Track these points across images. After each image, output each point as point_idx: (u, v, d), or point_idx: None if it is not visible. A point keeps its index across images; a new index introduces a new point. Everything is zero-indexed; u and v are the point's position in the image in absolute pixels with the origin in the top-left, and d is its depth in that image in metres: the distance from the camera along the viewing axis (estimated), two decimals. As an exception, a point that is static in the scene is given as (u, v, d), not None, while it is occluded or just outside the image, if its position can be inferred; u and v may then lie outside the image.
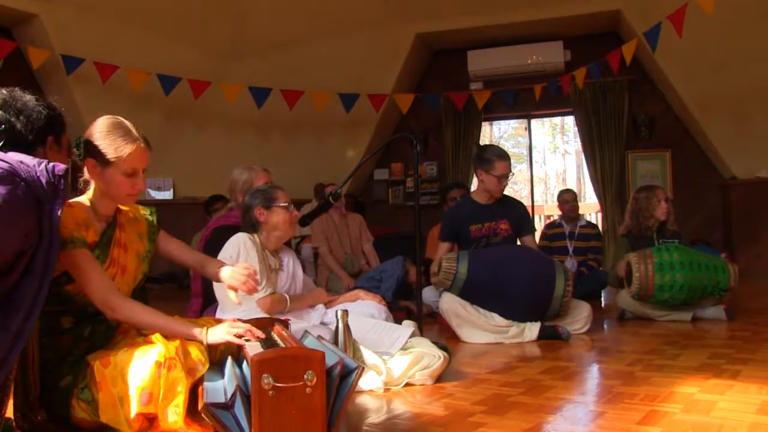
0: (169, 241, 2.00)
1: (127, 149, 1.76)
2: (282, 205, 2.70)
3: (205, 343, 1.67)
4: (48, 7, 6.00)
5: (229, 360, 1.62)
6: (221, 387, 1.52)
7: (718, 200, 6.90)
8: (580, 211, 5.62)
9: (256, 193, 2.75)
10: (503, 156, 3.64)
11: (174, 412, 1.48)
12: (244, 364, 1.56)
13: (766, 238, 6.19)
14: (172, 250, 1.99)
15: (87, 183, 1.84)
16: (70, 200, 1.80)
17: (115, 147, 1.75)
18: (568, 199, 5.42)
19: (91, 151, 1.77)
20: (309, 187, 7.02)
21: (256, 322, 1.80)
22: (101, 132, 1.78)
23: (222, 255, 2.64)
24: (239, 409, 1.40)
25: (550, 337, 3.17)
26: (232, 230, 2.84)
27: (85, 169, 1.81)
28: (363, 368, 1.49)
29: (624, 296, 3.85)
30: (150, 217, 1.97)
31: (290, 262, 2.85)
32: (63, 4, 6.06)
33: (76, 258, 1.67)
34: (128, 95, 6.35)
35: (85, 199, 1.83)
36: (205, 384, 1.54)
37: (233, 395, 1.43)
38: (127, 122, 1.81)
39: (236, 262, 2.57)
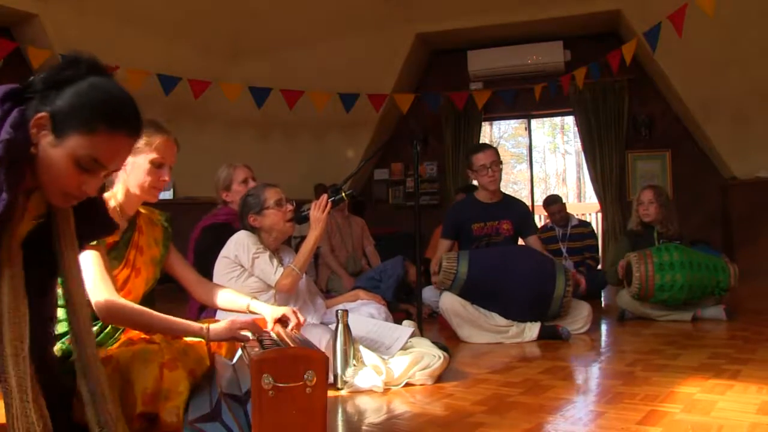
0: (176, 255, 2.01)
1: (157, 139, 1.81)
2: (272, 206, 2.69)
3: (208, 338, 1.68)
4: (48, 7, 5.99)
5: (217, 366, 1.61)
6: (207, 398, 1.51)
7: (718, 200, 6.90)
8: (580, 212, 5.63)
9: (247, 199, 2.74)
10: (479, 148, 3.72)
11: (174, 413, 1.48)
12: (240, 364, 1.56)
13: (766, 239, 6.19)
14: (175, 265, 2.01)
15: (111, 181, 1.85)
16: None
17: (146, 136, 1.79)
18: (554, 211, 5.44)
19: None
20: (309, 187, 7.02)
21: (255, 322, 1.81)
22: None
23: (225, 253, 2.64)
24: (227, 416, 1.40)
25: (550, 337, 3.17)
26: (219, 228, 2.84)
27: None
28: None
29: (624, 296, 3.85)
30: (165, 224, 2.00)
31: (290, 262, 2.84)
32: (63, 4, 6.06)
33: (87, 255, 1.68)
34: (128, 95, 6.35)
35: (109, 196, 1.84)
36: (191, 402, 1.53)
37: (217, 403, 1.42)
38: (159, 120, 1.86)
39: (240, 261, 2.59)
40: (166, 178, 1.83)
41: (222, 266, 2.63)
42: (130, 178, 1.81)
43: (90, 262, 1.68)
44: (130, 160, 1.80)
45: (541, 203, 5.94)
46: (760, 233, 6.24)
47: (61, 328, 1.73)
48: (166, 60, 6.55)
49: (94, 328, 1.73)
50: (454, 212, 3.87)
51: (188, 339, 1.71)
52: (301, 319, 1.95)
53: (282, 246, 2.85)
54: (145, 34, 6.59)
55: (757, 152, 6.36)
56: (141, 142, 1.79)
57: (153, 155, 1.79)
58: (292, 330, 1.89)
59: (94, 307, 1.68)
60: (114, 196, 1.84)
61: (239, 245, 2.62)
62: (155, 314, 1.71)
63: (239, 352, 1.76)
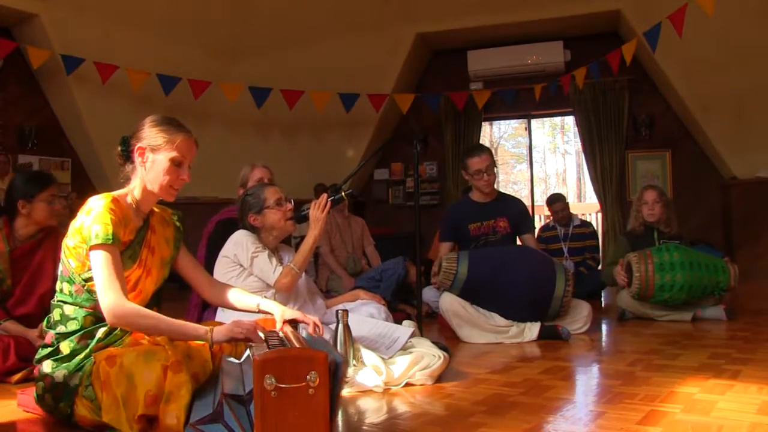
0: (186, 255, 2.00)
1: (178, 137, 1.80)
2: (272, 206, 2.69)
3: (211, 342, 1.67)
4: (48, 7, 5.99)
5: (224, 365, 1.61)
6: (211, 399, 1.51)
7: (718, 200, 6.90)
8: (580, 212, 5.63)
9: (246, 199, 2.74)
10: (474, 152, 3.70)
11: (175, 416, 1.48)
12: (247, 363, 1.56)
13: (766, 239, 6.19)
14: (186, 266, 2.00)
15: (127, 178, 1.85)
16: (114, 193, 1.79)
17: (167, 134, 1.79)
18: (557, 209, 5.41)
19: (142, 138, 1.80)
20: (309, 187, 7.02)
21: (260, 322, 1.81)
22: (154, 122, 1.82)
23: (224, 252, 2.64)
24: (229, 416, 1.39)
25: (550, 337, 3.17)
26: (234, 222, 2.84)
27: (135, 157, 1.81)
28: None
29: (624, 296, 3.85)
30: (177, 223, 1.99)
31: (290, 261, 2.84)
32: (63, 4, 6.06)
33: (101, 255, 1.66)
34: (128, 95, 6.35)
35: (126, 192, 1.83)
36: (195, 404, 1.53)
37: (219, 404, 1.42)
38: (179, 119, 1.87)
39: (239, 260, 2.59)
40: (185, 177, 1.82)
41: (221, 266, 2.63)
42: (149, 176, 1.79)
43: (101, 263, 1.65)
44: (150, 157, 1.79)
45: (541, 203, 5.94)
46: (760, 233, 6.25)
47: (71, 326, 1.73)
48: (166, 60, 6.55)
49: (102, 330, 1.73)
50: (450, 214, 3.89)
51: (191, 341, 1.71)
52: (315, 319, 1.95)
53: (281, 245, 2.85)
54: (145, 34, 6.59)
55: (757, 152, 6.37)
56: (161, 140, 1.78)
57: (173, 153, 1.78)
58: (313, 333, 1.87)
59: (103, 309, 1.66)
60: (131, 193, 1.82)
61: (238, 244, 2.63)
62: (162, 318, 1.70)
63: (248, 351, 1.76)
